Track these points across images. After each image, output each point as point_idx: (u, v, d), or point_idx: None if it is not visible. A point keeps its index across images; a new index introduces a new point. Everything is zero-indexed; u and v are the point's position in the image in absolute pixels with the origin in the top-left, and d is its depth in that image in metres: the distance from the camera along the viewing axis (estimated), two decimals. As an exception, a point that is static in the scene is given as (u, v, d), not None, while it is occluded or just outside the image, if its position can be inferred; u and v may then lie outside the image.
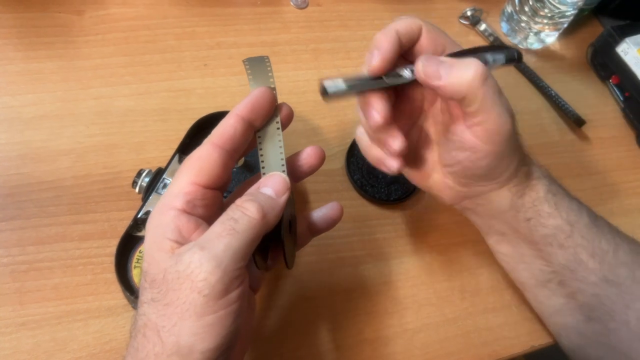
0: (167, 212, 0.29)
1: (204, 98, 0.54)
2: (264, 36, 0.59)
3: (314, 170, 0.36)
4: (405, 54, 0.36)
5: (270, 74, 0.32)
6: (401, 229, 0.51)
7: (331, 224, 0.37)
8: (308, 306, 0.46)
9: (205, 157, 0.30)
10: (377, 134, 0.36)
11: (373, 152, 0.38)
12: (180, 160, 0.47)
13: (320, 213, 0.37)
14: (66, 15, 0.56)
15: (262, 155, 0.32)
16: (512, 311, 0.48)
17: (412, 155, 0.41)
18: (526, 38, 0.65)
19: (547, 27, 0.63)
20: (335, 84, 0.31)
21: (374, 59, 0.33)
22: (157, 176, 0.46)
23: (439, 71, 0.32)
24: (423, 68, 0.33)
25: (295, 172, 0.35)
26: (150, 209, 0.44)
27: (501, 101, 0.33)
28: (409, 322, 0.47)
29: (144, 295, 0.28)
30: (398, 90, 0.38)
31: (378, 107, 0.33)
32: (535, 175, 0.39)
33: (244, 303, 0.28)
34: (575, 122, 0.60)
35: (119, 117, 0.51)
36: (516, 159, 0.37)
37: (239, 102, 0.31)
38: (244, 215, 0.28)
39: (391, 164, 0.36)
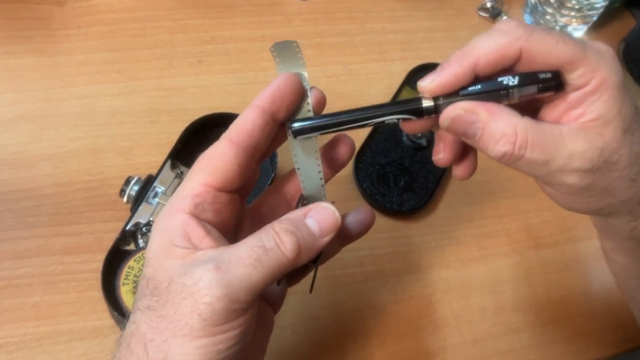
0: (175, 215, 0.29)
1: (198, 97, 0.55)
2: (263, 30, 0.61)
3: (348, 160, 0.35)
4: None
5: (300, 60, 0.32)
6: (414, 242, 0.52)
7: (363, 230, 0.36)
8: (313, 327, 0.47)
9: (220, 156, 0.29)
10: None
11: None
12: (173, 167, 0.48)
13: (351, 218, 0.35)
14: (46, 6, 0.58)
15: (294, 149, 0.32)
16: (536, 332, 0.49)
17: None
18: (551, 32, 0.66)
19: (574, 20, 0.64)
20: (305, 126, 0.31)
21: (428, 81, 0.30)
22: (147, 184, 0.47)
23: (467, 134, 0.30)
24: (451, 125, 0.31)
25: (332, 162, 0.35)
26: (140, 220, 0.45)
27: (551, 169, 0.31)
28: (424, 345, 0.47)
29: (141, 301, 0.28)
30: None
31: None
32: None
33: (249, 328, 0.28)
34: (606, 124, 0.61)
35: (104, 119, 0.52)
36: (616, 199, 0.34)
37: (260, 92, 0.30)
38: (277, 248, 0.28)
39: (455, 171, 0.36)
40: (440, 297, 0.50)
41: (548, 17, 0.65)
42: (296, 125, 0.31)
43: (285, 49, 0.32)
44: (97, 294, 0.44)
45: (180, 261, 0.27)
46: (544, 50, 0.30)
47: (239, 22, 0.61)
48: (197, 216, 0.29)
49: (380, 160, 0.54)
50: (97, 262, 0.44)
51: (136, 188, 0.46)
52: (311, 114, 0.31)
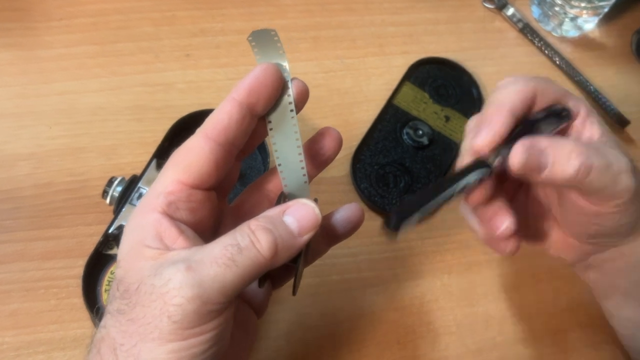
0: (147, 214, 0.29)
1: (186, 94, 0.55)
2: (255, 21, 0.61)
3: (334, 155, 0.35)
4: None
5: (280, 49, 0.32)
6: (415, 246, 0.52)
7: (351, 229, 0.36)
8: (308, 336, 0.47)
9: (194, 151, 0.29)
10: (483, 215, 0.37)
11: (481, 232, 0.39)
12: (158, 166, 0.48)
13: (338, 216, 0.36)
14: (26, -4, 0.58)
15: (274, 144, 0.32)
16: (544, 342, 0.49)
17: (523, 218, 0.41)
18: (561, 24, 0.66)
19: (585, 11, 0.64)
20: (406, 220, 0.31)
21: (482, 137, 0.33)
22: (131, 185, 0.46)
23: (540, 164, 0.32)
24: (526, 160, 0.32)
25: (316, 158, 0.35)
26: (124, 223, 0.45)
27: (613, 172, 0.33)
28: (425, 354, 0.47)
29: (112, 305, 0.28)
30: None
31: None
32: None
33: (225, 332, 0.28)
34: (618, 122, 0.62)
35: (86, 116, 0.52)
36: None
37: (237, 83, 0.30)
38: (252, 247, 0.27)
39: (504, 247, 0.38)
40: (442, 304, 0.50)
41: (557, 8, 0.65)
42: (395, 217, 0.31)
43: (263, 38, 0.32)
44: (78, 301, 0.44)
45: (151, 262, 0.27)
46: (548, 92, 0.36)
47: (230, 13, 0.61)
48: (170, 215, 0.29)
49: (380, 159, 0.54)
50: (79, 267, 0.44)
51: (119, 189, 0.46)
52: (292, 107, 0.32)
